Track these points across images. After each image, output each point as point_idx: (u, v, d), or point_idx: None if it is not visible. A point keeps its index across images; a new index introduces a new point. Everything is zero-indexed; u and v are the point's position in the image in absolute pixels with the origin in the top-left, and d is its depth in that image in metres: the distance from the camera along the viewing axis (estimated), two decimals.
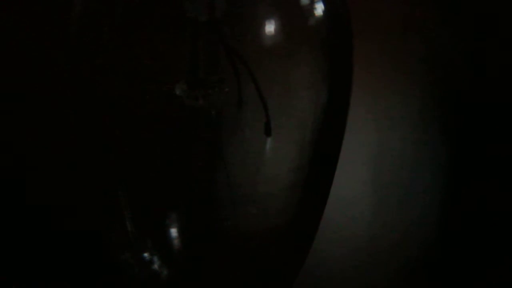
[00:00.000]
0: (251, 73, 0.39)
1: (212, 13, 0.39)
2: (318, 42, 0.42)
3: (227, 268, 0.45)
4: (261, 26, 0.40)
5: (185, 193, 0.42)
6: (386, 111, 0.64)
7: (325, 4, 0.42)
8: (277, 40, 0.40)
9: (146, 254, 0.44)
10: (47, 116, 0.55)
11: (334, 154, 0.46)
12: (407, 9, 0.62)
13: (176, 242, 0.43)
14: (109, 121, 0.41)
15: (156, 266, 0.44)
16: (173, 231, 0.43)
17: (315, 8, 0.41)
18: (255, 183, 0.43)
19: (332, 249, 0.63)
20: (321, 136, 0.43)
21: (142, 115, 0.40)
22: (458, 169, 0.65)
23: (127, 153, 0.42)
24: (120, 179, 0.42)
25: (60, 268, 0.57)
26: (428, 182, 0.65)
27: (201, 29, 0.39)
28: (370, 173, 0.65)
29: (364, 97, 0.62)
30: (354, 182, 0.64)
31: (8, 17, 0.55)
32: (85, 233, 0.54)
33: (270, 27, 0.40)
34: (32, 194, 0.57)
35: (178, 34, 0.39)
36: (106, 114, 0.41)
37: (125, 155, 0.42)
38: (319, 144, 0.43)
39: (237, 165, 0.42)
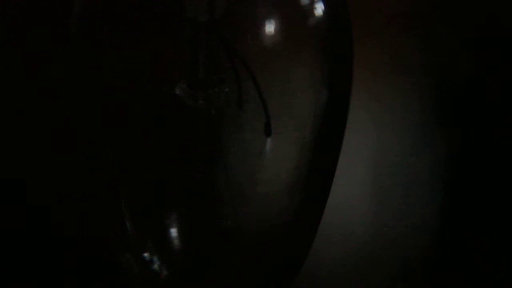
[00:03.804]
0: (251, 73, 0.39)
1: (212, 13, 0.39)
2: (318, 42, 0.42)
3: (227, 268, 0.45)
4: (261, 26, 0.40)
5: (185, 193, 0.42)
6: (386, 112, 0.64)
7: (325, 4, 0.42)
8: (277, 40, 0.40)
9: (146, 254, 0.44)
10: (47, 115, 0.55)
11: (334, 154, 0.46)
12: (407, 9, 0.62)
13: (176, 242, 0.43)
14: (108, 121, 0.41)
15: (156, 266, 0.44)
16: (173, 231, 0.43)
17: (315, 8, 0.41)
18: (255, 183, 0.43)
19: (332, 249, 0.62)
20: (321, 136, 0.43)
21: (142, 115, 0.40)
22: (458, 169, 0.65)
23: (127, 153, 0.42)
24: (120, 179, 0.42)
25: (60, 269, 0.57)
26: (428, 182, 0.65)
27: (201, 29, 0.39)
28: (370, 174, 0.65)
29: (364, 97, 0.61)
30: (354, 182, 0.64)
31: (8, 16, 0.55)
32: (85, 233, 0.54)
33: (270, 27, 0.40)
34: (31, 194, 0.57)
35: (178, 34, 0.39)
36: (105, 114, 0.41)
37: (125, 155, 0.42)
38: (319, 144, 0.43)
39: (237, 165, 0.42)
